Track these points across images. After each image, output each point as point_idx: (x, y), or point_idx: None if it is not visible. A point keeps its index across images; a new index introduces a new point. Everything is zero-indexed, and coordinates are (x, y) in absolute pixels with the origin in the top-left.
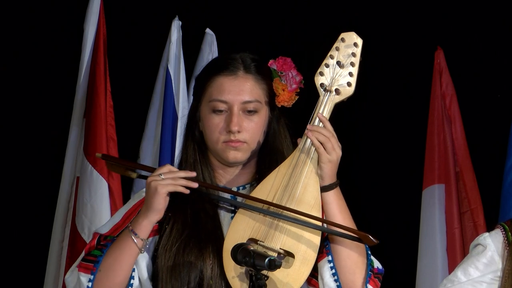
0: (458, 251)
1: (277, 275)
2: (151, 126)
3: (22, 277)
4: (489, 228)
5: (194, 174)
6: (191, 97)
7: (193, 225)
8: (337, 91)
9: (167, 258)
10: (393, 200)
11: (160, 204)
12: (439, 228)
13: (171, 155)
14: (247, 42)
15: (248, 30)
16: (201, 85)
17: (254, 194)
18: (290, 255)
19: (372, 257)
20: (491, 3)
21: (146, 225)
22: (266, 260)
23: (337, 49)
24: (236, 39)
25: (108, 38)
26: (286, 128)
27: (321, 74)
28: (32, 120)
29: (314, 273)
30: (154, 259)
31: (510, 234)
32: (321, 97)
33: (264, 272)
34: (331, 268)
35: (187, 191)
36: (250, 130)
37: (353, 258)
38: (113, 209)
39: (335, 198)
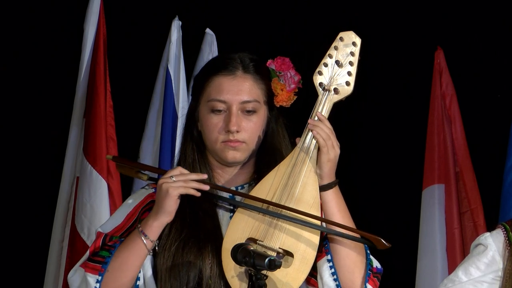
0: (458, 251)
1: (276, 275)
2: (151, 126)
3: (22, 277)
4: (489, 228)
5: (205, 176)
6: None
7: (192, 224)
8: (335, 91)
9: (166, 257)
10: (393, 200)
11: (171, 207)
12: (439, 228)
13: (171, 155)
14: (247, 42)
15: (248, 30)
16: (199, 84)
17: (253, 193)
18: (289, 254)
19: (371, 257)
20: (491, 3)
21: (157, 226)
22: (266, 260)
23: (336, 48)
24: (236, 39)
25: (108, 38)
26: (284, 128)
27: (320, 73)
28: (32, 120)
29: (313, 273)
30: (153, 258)
31: (511, 234)
32: (319, 97)
33: (264, 272)
34: (330, 267)
35: (198, 194)
36: (249, 130)
37: (352, 258)
38: (113, 209)
39: (334, 197)
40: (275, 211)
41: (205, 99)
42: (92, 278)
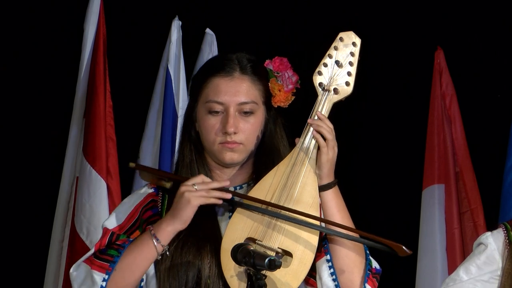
0: (458, 251)
1: (275, 275)
2: (151, 126)
3: (22, 277)
4: (489, 228)
5: (227, 183)
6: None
7: (191, 224)
8: (335, 91)
9: (165, 257)
10: (393, 200)
11: (189, 216)
12: (439, 228)
13: (171, 155)
14: (247, 42)
15: (248, 30)
16: (197, 85)
17: (253, 193)
18: (288, 254)
19: (370, 257)
20: (491, 3)
21: (170, 232)
22: (266, 260)
23: (336, 48)
24: (236, 39)
25: (108, 38)
26: (282, 128)
27: (320, 73)
28: (32, 120)
29: (312, 273)
30: None
31: (511, 233)
32: (319, 97)
33: (263, 272)
34: (330, 267)
35: (220, 202)
36: (246, 131)
37: (351, 258)
38: (112, 210)
39: (333, 197)
40: (274, 211)
41: (202, 100)
42: (98, 276)
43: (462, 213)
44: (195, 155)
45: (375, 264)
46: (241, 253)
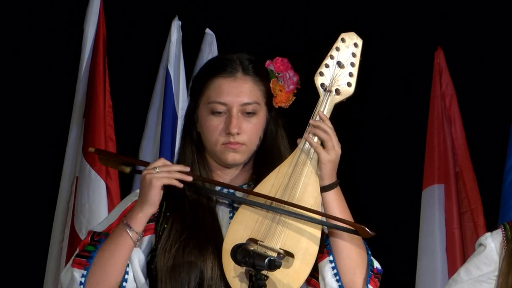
0: (458, 251)
1: (276, 275)
2: (151, 126)
3: (22, 277)
4: (489, 228)
5: (188, 168)
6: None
7: (192, 225)
8: (337, 91)
9: (167, 259)
10: (393, 200)
11: (155, 197)
12: (439, 228)
13: (171, 155)
14: (247, 42)
15: (248, 30)
16: (198, 86)
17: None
18: (290, 255)
19: (372, 257)
20: (491, 3)
21: (141, 218)
22: (266, 260)
23: (337, 49)
24: (236, 39)
25: (108, 38)
26: (283, 129)
27: (321, 74)
28: (32, 120)
29: (314, 273)
30: (152, 259)
31: (509, 233)
32: (321, 97)
33: (264, 272)
34: (333, 268)
35: (181, 185)
36: (249, 132)
37: (353, 258)
38: (111, 210)
39: (335, 198)
40: (276, 207)
41: (204, 101)
42: (77, 273)
43: (462, 213)
44: (196, 155)
45: (376, 264)
46: (241, 253)
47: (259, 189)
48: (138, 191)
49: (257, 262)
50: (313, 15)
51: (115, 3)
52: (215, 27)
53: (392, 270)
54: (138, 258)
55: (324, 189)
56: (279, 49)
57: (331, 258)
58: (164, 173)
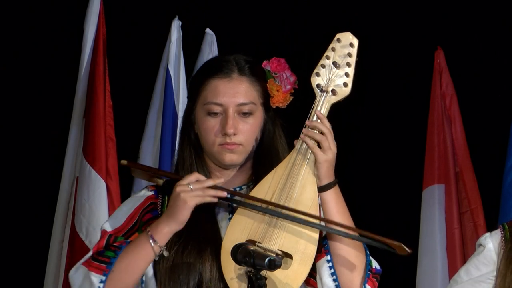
0: (458, 251)
1: (276, 276)
2: (151, 126)
3: (22, 277)
4: (489, 228)
5: (222, 180)
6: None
7: (191, 227)
8: (333, 92)
9: (166, 260)
10: (393, 200)
11: (186, 217)
12: (439, 228)
13: (171, 155)
14: (247, 42)
15: (248, 30)
16: (195, 87)
17: (252, 194)
18: (288, 256)
19: (370, 257)
20: (491, 3)
21: (167, 233)
22: (266, 260)
23: (333, 49)
24: (236, 39)
25: (108, 38)
26: (281, 129)
27: (317, 74)
28: (32, 120)
29: (313, 273)
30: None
31: (508, 233)
32: (317, 98)
33: (263, 272)
34: (330, 267)
35: (215, 200)
36: (246, 132)
37: (352, 258)
38: (111, 210)
39: (333, 197)
40: (275, 210)
41: (201, 102)
42: (96, 278)
43: (462, 213)
44: (194, 157)
45: (375, 264)
46: (241, 253)
47: (256, 190)
48: (143, 192)
49: (257, 262)
50: (312, 15)
51: (115, 3)
52: (215, 27)
53: (392, 270)
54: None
55: (322, 189)
56: (279, 49)
57: (328, 257)
58: (198, 192)
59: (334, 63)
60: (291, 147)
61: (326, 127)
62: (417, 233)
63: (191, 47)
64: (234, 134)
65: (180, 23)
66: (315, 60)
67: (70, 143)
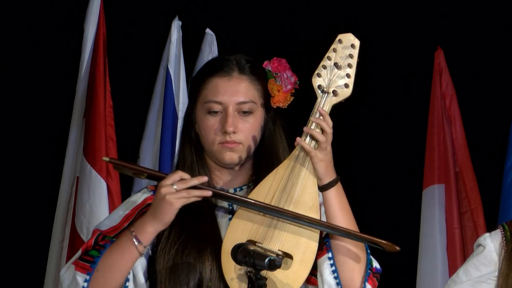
0: (458, 251)
1: (276, 276)
2: (151, 126)
3: (22, 277)
4: (489, 228)
5: (206, 179)
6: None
7: (191, 227)
8: (334, 93)
9: (166, 260)
10: (393, 200)
11: (171, 218)
12: (439, 228)
13: (171, 155)
14: (247, 42)
15: (248, 30)
16: (196, 86)
17: (252, 195)
18: (289, 256)
19: (371, 257)
20: (491, 3)
21: (151, 233)
22: (266, 260)
23: (334, 50)
24: (236, 39)
25: (108, 38)
26: (281, 129)
27: (319, 75)
28: (32, 120)
29: (314, 271)
30: (151, 261)
31: (508, 233)
32: (318, 99)
33: (264, 272)
34: (331, 265)
35: (200, 199)
36: (245, 131)
37: (353, 255)
38: (112, 209)
39: (335, 196)
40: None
41: (201, 101)
42: (80, 277)
43: (462, 213)
44: (195, 156)
45: (375, 264)
46: (241, 253)
47: (257, 191)
48: (142, 191)
49: (257, 262)
50: (313, 15)
51: (115, 3)
52: (215, 27)
53: (392, 270)
54: (140, 261)
55: (324, 188)
56: (279, 49)
57: (329, 255)
58: (183, 193)
59: (336, 64)
60: (291, 147)
61: (329, 125)
62: (417, 233)
63: (191, 47)
64: (234, 133)
65: (180, 23)
66: (315, 60)
67: (70, 143)
